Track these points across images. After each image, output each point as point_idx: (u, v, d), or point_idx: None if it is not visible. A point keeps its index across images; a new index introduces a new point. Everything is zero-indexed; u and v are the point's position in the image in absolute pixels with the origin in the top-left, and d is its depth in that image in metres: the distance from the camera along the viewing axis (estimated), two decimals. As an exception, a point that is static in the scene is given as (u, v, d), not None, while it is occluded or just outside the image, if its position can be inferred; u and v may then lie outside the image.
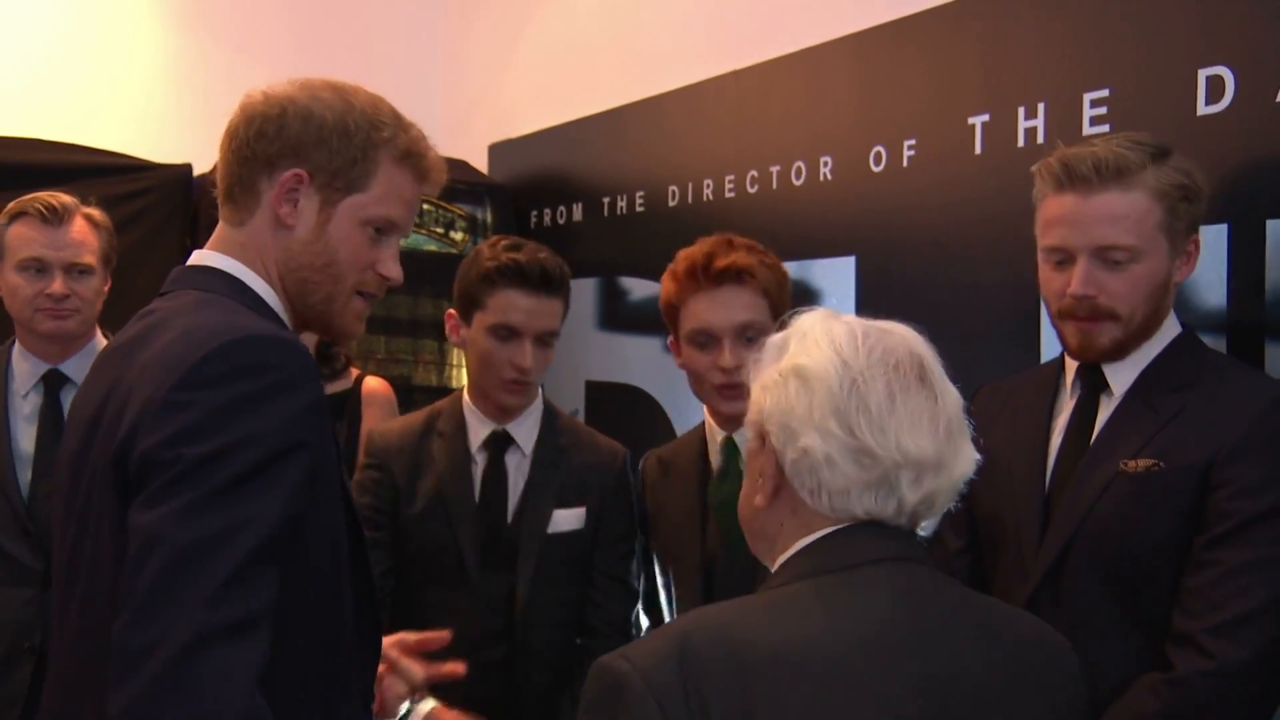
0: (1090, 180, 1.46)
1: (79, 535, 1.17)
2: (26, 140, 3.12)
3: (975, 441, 1.61)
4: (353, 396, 2.38)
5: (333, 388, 2.37)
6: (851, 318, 1.09)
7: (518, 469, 1.97)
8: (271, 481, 1.06)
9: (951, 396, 1.06)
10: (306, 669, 1.16)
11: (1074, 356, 1.54)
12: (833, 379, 1.01)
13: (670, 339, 1.88)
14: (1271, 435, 1.39)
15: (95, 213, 2.23)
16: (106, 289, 2.25)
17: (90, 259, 2.17)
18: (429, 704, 1.60)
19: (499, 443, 1.96)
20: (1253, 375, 1.51)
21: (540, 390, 2.03)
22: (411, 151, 1.28)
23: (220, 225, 1.29)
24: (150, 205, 3.18)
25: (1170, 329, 1.53)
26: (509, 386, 1.90)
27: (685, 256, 1.81)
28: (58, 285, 2.13)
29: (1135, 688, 1.41)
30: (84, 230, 2.18)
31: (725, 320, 1.76)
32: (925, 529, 1.09)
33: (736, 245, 1.79)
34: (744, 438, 1.48)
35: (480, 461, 1.96)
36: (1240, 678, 1.35)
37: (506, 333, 1.86)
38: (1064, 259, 1.50)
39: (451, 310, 1.96)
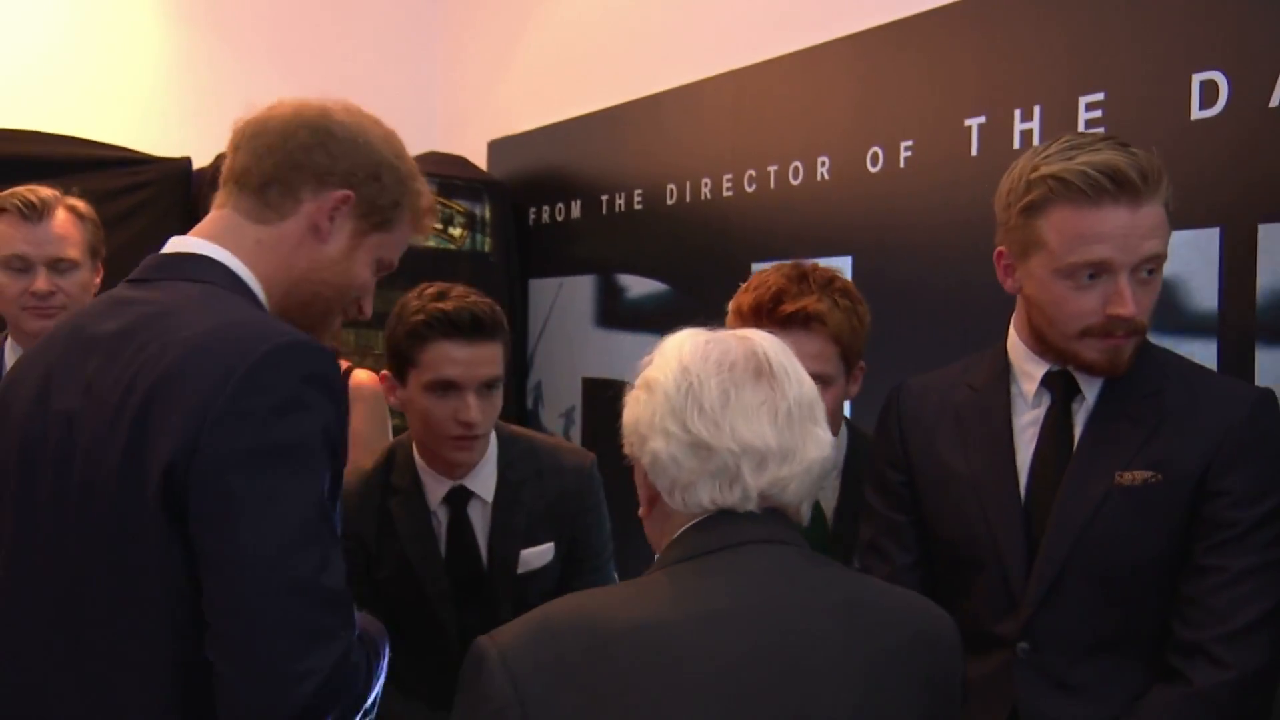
0: (1139, 190, 1.34)
1: (70, 540, 1.14)
2: (26, 133, 3.13)
3: (896, 446, 1.59)
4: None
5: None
6: (713, 332, 1.15)
7: (481, 517, 1.88)
8: (328, 484, 1.13)
9: (795, 388, 1.11)
10: None
11: (1097, 373, 1.44)
12: (670, 385, 1.09)
13: None
14: (1259, 439, 1.38)
15: (79, 204, 2.17)
16: (99, 280, 2.20)
17: (74, 253, 2.11)
18: None
19: (459, 497, 1.87)
20: (1212, 377, 1.48)
21: (493, 438, 1.91)
22: (428, 210, 1.36)
23: (225, 214, 1.27)
24: (149, 198, 3.19)
25: None
26: (457, 444, 1.79)
27: (753, 289, 1.66)
28: (41, 283, 2.07)
29: (1148, 704, 1.38)
30: (66, 224, 2.12)
31: None
32: (804, 515, 1.13)
33: (810, 281, 1.64)
34: None
35: (443, 518, 1.87)
36: (1259, 684, 1.34)
37: (445, 387, 1.75)
38: (1095, 275, 1.37)
39: (384, 372, 1.85)
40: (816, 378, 1.58)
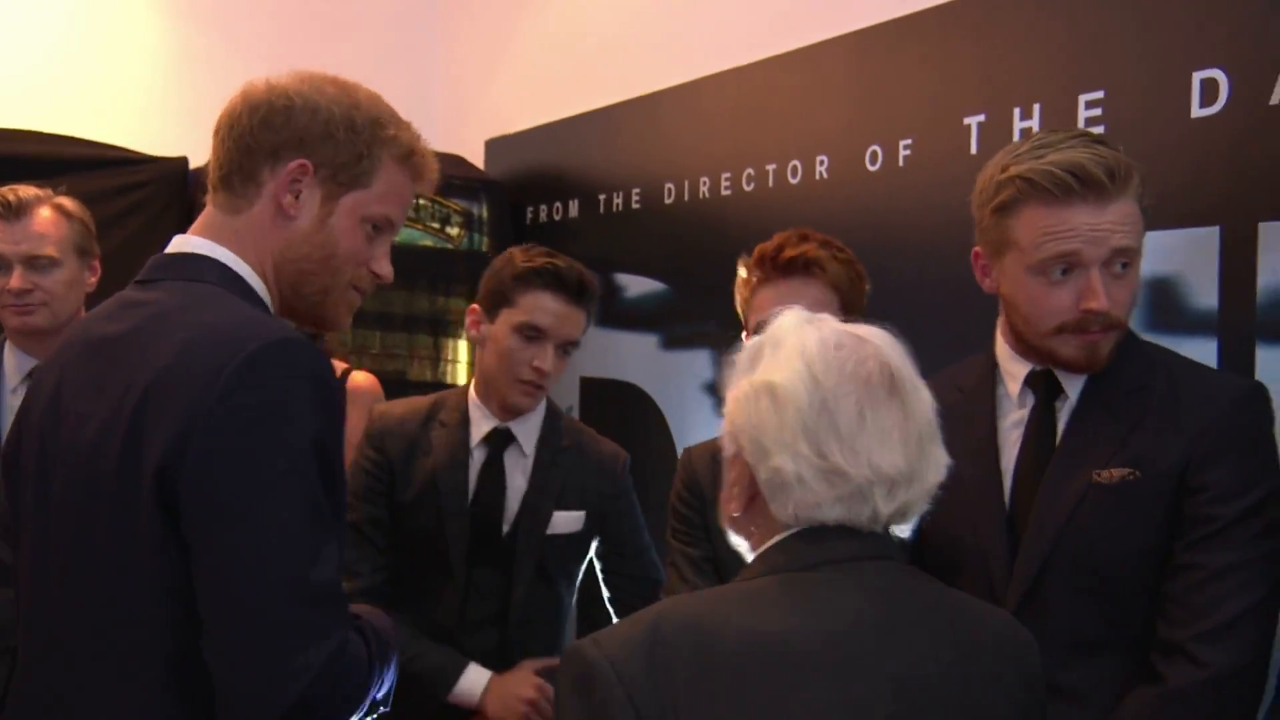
0: (1105, 187, 1.37)
1: (78, 540, 1.15)
2: (23, 132, 3.13)
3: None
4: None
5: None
6: (829, 323, 1.09)
7: (515, 467, 1.96)
8: (319, 478, 1.12)
9: (923, 405, 1.06)
10: None
11: (1075, 370, 1.45)
12: (802, 398, 1.01)
13: (745, 334, 1.83)
14: (1240, 435, 1.37)
15: (67, 202, 2.16)
16: (93, 280, 2.19)
17: (52, 250, 2.10)
18: None
19: (499, 440, 1.96)
20: (1203, 373, 1.47)
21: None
22: (413, 151, 1.30)
23: (210, 211, 1.27)
24: (146, 198, 3.18)
25: None
26: (524, 388, 1.90)
27: (758, 247, 1.80)
28: (15, 280, 2.07)
29: (1128, 704, 1.37)
30: (47, 222, 2.11)
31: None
32: (903, 532, 1.08)
33: (810, 238, 1.77)
34: None
35: (479, 457, 1.96)
36: (1235, 683, 1.33)
37: (533, 333, 1.88)
38: (1067, 270, 1.40)
39: (475, 305, 1.97)
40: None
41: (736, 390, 1.07)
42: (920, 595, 1.04)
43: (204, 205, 1.29)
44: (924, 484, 1.05)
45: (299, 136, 1.22)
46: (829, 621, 0.97)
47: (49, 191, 2.18)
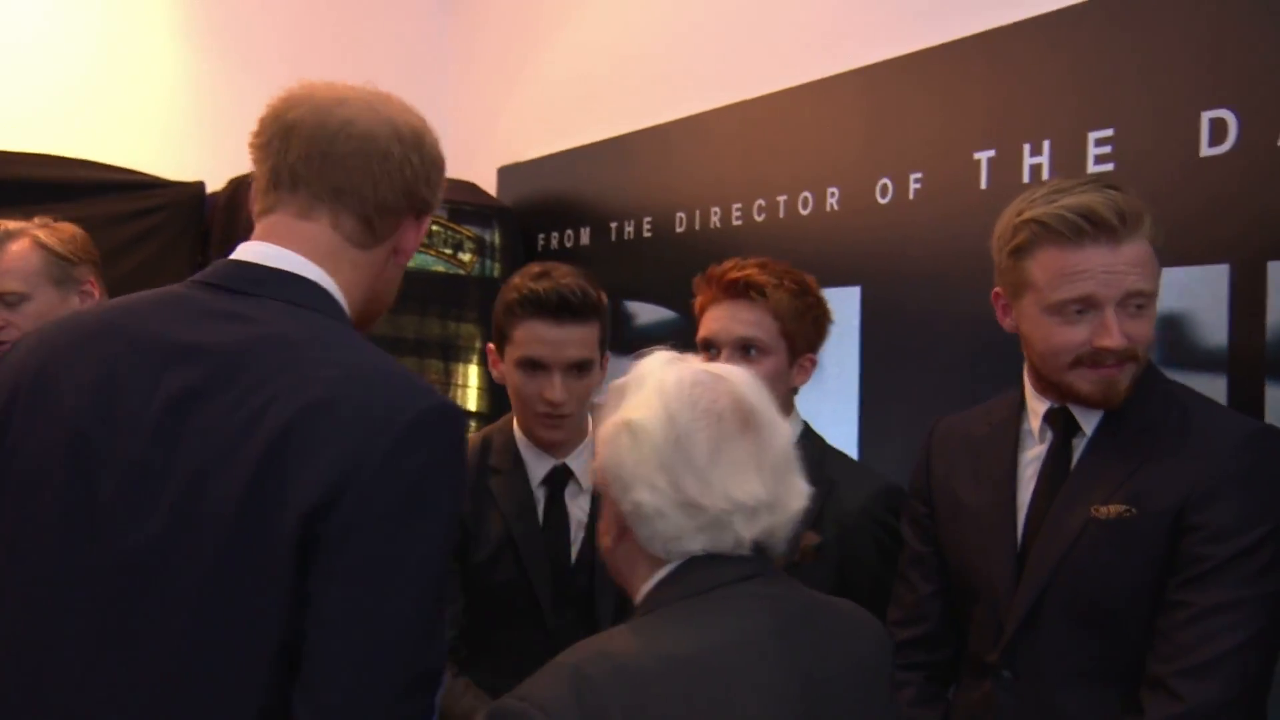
0: (1116, 230, 1.41)
1: (151, 560, 1.03)
2: (40, 156, 3.16)
3: (923, 479, 1.67)
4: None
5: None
6: (691, 364, 1.15)
7: (575, 503, 1.89)
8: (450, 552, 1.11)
9: (778, 439, 1.12)
10: None
11: (1093, 405, 1.48)
12: (658, 434, 1.07)
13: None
14: (1241, 476, 1.38)
15: (47, 234, 2.16)
16: (89, 303, 2.17)
17: (15, 284, 2.12)
18: None
19: (559, 478, 1.88)
20: (1216, 411, 1.49)
21: (589, 418, 1.90)
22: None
23: (328, 234, 1.16)
24: (162, 222, 3.21)
25: None
26: (543, 421, 1.81)
27: (709, 268, 1.84)
28: None
29: None
30: (17, 256, 2.13)
31: (726, 333, 1.75)
32: (777, 549, 1.15)
33: (762, 265, 1.78)
34: None
35: (541, 498, 1.87)
36: (1212, 719, 1.33)
37: (533, 365, 1.78)
38: (1083, 310, 1.43)
39: (490, 344, 1.91)
40: (748, 343, 1.73)
41: (602, 428, 1.12)
42: (798, 602, 1.11)
43: (220, 230, 1.28)
44: (786, 510, 1.11)
45: (435, 192, 1.24)
46: (732, 635, 1.03)
47: (39, 221, 2.18)
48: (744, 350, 1.74)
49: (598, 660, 0.99)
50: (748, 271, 1.75)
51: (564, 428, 1.82)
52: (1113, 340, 1.41)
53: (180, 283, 1.19)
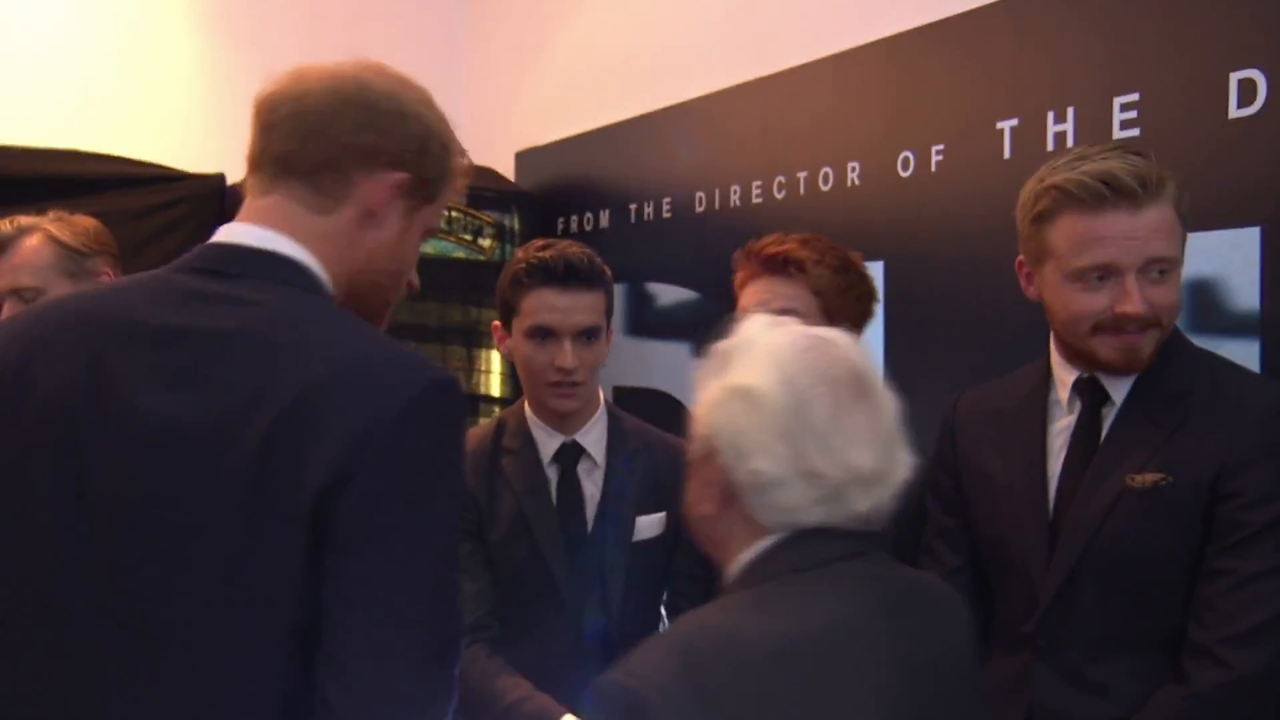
0: (1137, 195, 1.40)
1: (162, 545, 1.03)
2: (62, 152, 3.18)
3: (949, 452, 1.67)
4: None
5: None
6: (792, 327, 1.11)
7: (590, 479, 1.91)
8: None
9: (889, 407, 1.09)
10: None
11: (1115, 371, 1.48)
12: (779, 400, 1.04)
13: None
14: (1273, 441, 1.38)
15: (60, 228, 2.15)
16: None
17: (30, 280, 2.11)
18: None
19: (569, 454, 1.90)
20: (1247, 377, 1.49)
21: (601, 394, 1.97)
22: (467, 170, 1.28)
23: (284, 204, 1.15)
24: (184, 215, 3.23)
25: None
26: (556, 390, 1.83)
27: (749, 242, 1.83)
28: (5, 313, 2.10)
29: (1153, 703, 1.40)
30: (30, 251, 2.12)
31: (763, 307, 1.72)
32: (878, 526, 1.13)
33: (804, 241, 1.77)
34: None
35: (553, 476, 1.90)
36: (1258, 686, 1.34)
37: (543, 334, 1.81)
38: (1103, 276, 1.43)
39: (496, 322, 1.93)
40: (788, 313, 1.64)
41: (708, 394, 1.09)
42: (902, 583, 1.11)
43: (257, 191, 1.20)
44: (893, 482, 1.08)
45: (400, 146, 1.17)
46: (843, 617, 1.02)
47: (54, 214, 2.18)
48: None
49: (711, 638, 0.97)
50: (788, 246, 1.74)
51: (577, 396, 1.84)
52: (1133, 307, 1.41)
53: (163, 267, 1.17)
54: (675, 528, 1.92)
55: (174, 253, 1.22)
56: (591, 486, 1.90)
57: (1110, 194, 1.40)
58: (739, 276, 1.82)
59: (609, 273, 1.88)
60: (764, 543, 1.07)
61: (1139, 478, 1.42)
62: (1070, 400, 1.53)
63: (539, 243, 1.88)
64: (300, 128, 1.15)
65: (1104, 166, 1.41)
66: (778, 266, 1.74)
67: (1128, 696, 1.42)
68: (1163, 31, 1.83)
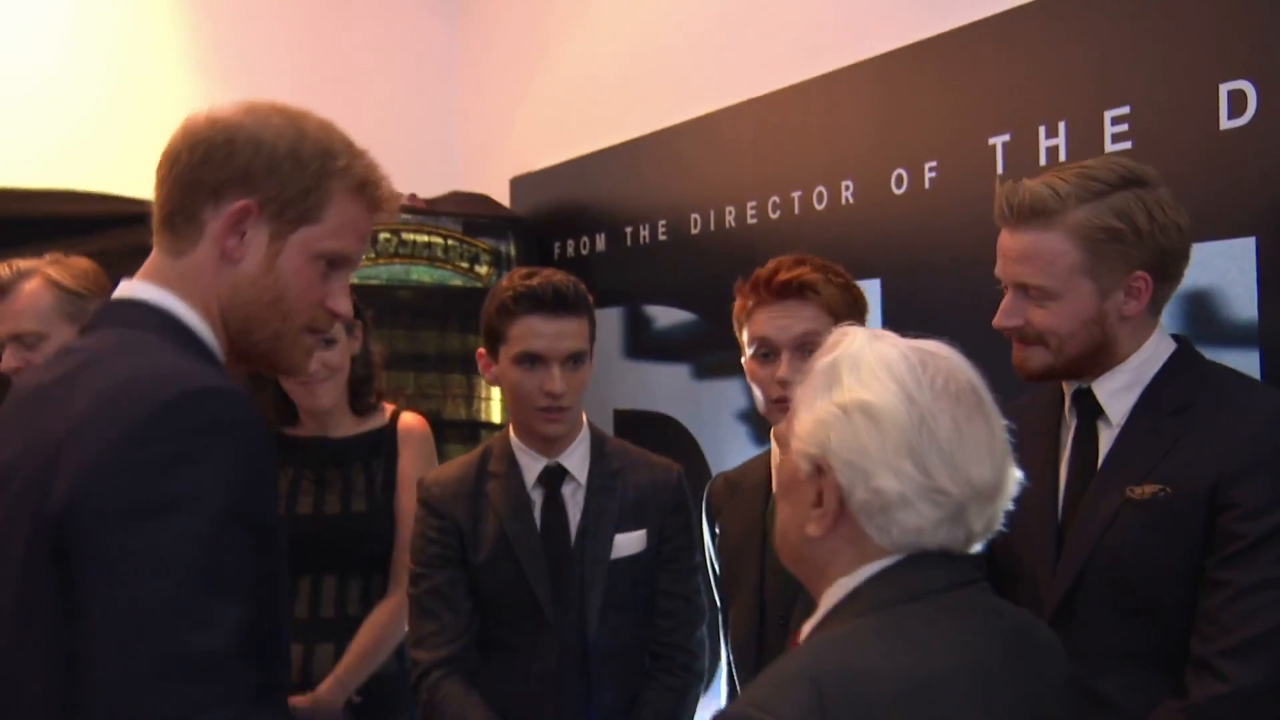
0: (1009, 218, 1.49)
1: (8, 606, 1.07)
2: (58, 192, 3.17)
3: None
4: (388, 434, 2.38)
5: (368, 425, 2.38)
6: (894, 339, 1.08)
7: (573, 500, 1.95)
8: (238, 547, 1.04)
9: (1000, 419, 1.07)
10: None
11: (1016, 373, 1.56)
12: (902, 416, 1.00)
13: (743, 356, 1.88)
14: (1273, 453, 1.37)
15: (58, 271, 2.16)
16: None
17: (32, 325, 2.12)
18: None
19: (553, 477, 1.95)
20: (1252, 389, 1.49)
21: (584, 417, 2.02)
22: (366, 180, 1.22)
23: (155, 254, 1.20)
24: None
25: (1161, 349, 1.51)
26: (545, 415, 1.88)
27: (755, 272, 1.84)
28: (7, 359, 2.11)
29: (1155, 717, 1.39)
30: (30, 296, 2.13)
31: (784, 331, 1.75)
32: (978, 548, 1.10)
33: (806, 262, 1.81)
34: None
35: (537, 499, 1.95)
36: (1256, 700, 1.33)
37: (531, 360, 1.86)
38: (1003, 288, 1.53)
39: (481, 349, 1.97)
40: (809, 340, 1.72)
41: (819, 411, 1.04)
42: (1013, 618, 1.07)
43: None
44: (1005, 496, 1.06)
45: (242, 173, 1.15)
46: (967, 654, 0.98)
47: (50, 257, 2.18)
48: (803, 349, 1.74)
49: (838, 671, 0.93)
50: (799, 272, 1.77)
51: (564, 420, 1.90)
52: (997, 319, 1.52)
53: None
54: (657, 545, 1.96)
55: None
56: (575, 507, 1.94)
57: (998, 213, 1.51)
58: (743, 305, 1.83)
59: (592, 299, 1.94)
60: (877, 565, 1.03)
61: (1139, 489, 1.42)
62: (1071, 412, 1.56)
63: (523, 271, 1.93)
64: (160, 180, 1.19)
65: (1017, 186, 1.49)
66: (793, 291, 1.76)
67: (1131, 709, 1.41)
68: (1152, 44, 1.85)
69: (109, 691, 0.98)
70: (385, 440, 2.36)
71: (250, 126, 1.17)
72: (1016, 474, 1.07)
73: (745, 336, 1.83)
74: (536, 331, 1.85)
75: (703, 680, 2.02)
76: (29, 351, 2.13)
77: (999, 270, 1.53)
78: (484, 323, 1.94)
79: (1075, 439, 1.54)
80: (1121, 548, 1.43)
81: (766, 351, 1.78)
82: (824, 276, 1.77)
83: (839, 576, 1.05)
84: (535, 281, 1.87)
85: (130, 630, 0.98)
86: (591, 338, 1.93)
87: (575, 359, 1.88)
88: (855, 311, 1.80)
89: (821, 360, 1.08)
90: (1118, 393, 1.50)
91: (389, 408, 2.44)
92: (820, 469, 1.04)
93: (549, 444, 1.94)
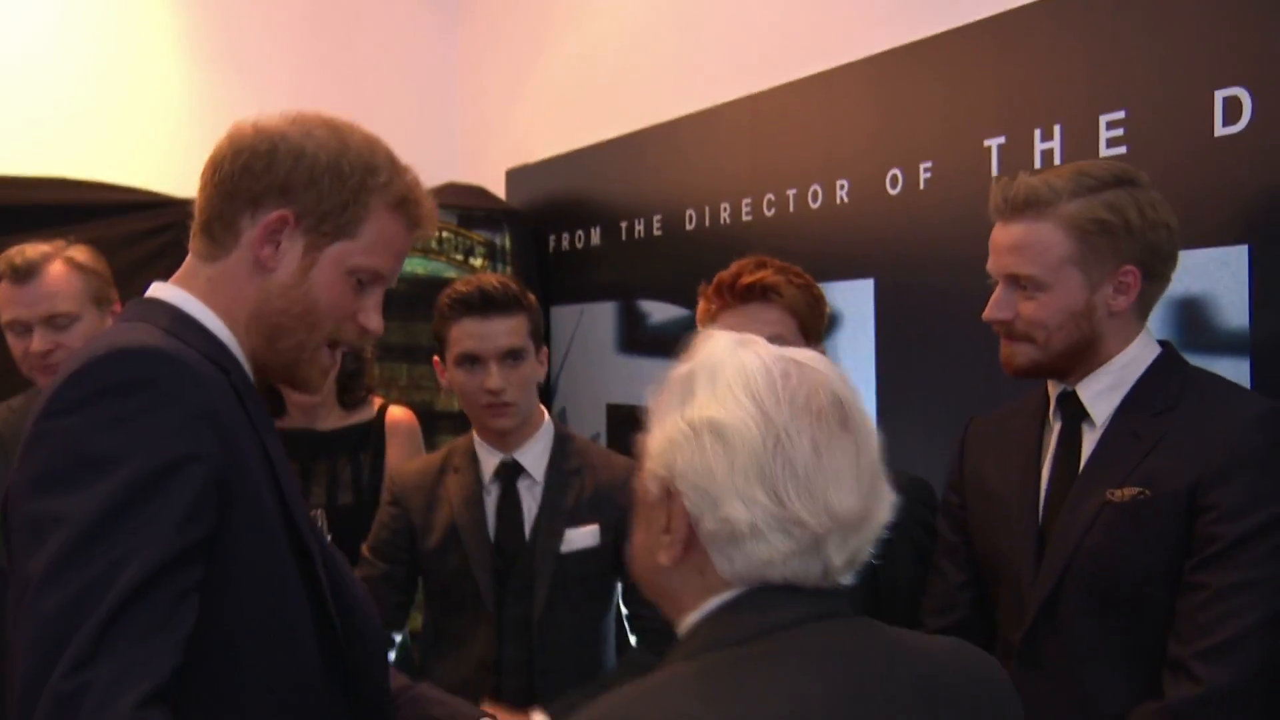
0: (1004, 211, 1.51)
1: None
2: (48, 180, 3.17)
3: (957, 471, 1.66)
4: (376, 427, 2.38)
5: (355, 418, 2.38)
6: (763, 348, 0.97)
7: (530, 495, 2.01)
8: (146, 509, 0.98)
9: (871, 439, 0.95)
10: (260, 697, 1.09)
11: (1003, 370, 1.58)
12: (755, 438, 0.89)
13: None
14: (1253, 455, 1.38)
15: (78, 254, 2.16)
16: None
17: (68, 306, 2.10)
18: None
19: (510, 471, 2.01)
20: (1233, 392, 1.49)
21: (547, 415, 2.08)
22: (406, 199, 1.21)
23: (189, 258, 1.21)
24: (174, 240, 3.20)
25: (1146, 352, 1.52)
26: (488, 411, 1.96)
27: (717, 276, 1.85)
28: (36, 342, 2.08)
29: (1131, 718, 1.40)
30: (59, 278, 2.11)
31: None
32: (846, 579, 0.97)
33: (766, 265, 1.82)
34: None
35: (494, 492, 2.01)
36: (1230, 703, 1.33)
37: (470, 360, 1.95)
38: (995, 283, 1.55)
39: (435, 357, 2.05)
40: (777, 340, 1.69)
41: (668, 429, 0.94)
42: (874, 654, 0.92)
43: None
44: (873, 526, 0.94)
45: (281, 183, 1.15)
46: (789, 706, 0.85)
47: (60, 244, 2.17)
48: None
49: None
50: (761, 275, 1.78)
51: (509, 415, 1.97)
52: (986, 312, 1.54)
53: None
54: (615, 541, 1.99)
55: (164, 277, 1.23)
56: (531, 502, 2.01)
57: (992, 207, 1.52)
58: (707, 309, 1.84)
59: (531, 299, 2.02)
60: (717, 600, 0.93)
61: (1119, 492, 1.43)
62: (1055, 414, 1.57)
63: (462, 279, 2.05)
64: (203, 186, 1.19)
65: (1011, 180, 1.52)
66: (756, 294, 1.77)
67: (1111, 709, 1.42)
68: (1149, 49, 1.84)
69: (27, 638, 0.95)
70: (373, 433, 2.36)
71: (293, 137, 1.17)
72: (890, 497, 0.96)
73: None
74: (470, 333, 1.94)
75: None
76: (61, 334, 2.11)
77: (991, 265, 1.55)
78: (434, 332, 2.04)
79: (1059, 441, 1.55)
80: (1101, 550, 1.44)
81: None
82: (786, 279, 1.79)
83: (689, 610, 0.95)
84: (465, 286, 1.98)
85: (35, 589, 0.95)
86: (533, 334, 2.00)
87: (513, 355, 1.95)
88: (817, 312, 1.82)
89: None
90: (1101, 394, 1.51)
91: (377, 401, 2.43)
92: (669, 492, 0.94)
93: (504, 439, 2.01)
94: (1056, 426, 1.56)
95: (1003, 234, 1.52)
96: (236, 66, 3.75)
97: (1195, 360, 1.56)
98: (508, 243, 3.50)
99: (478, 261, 3.45)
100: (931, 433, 2.12)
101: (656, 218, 3.07)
